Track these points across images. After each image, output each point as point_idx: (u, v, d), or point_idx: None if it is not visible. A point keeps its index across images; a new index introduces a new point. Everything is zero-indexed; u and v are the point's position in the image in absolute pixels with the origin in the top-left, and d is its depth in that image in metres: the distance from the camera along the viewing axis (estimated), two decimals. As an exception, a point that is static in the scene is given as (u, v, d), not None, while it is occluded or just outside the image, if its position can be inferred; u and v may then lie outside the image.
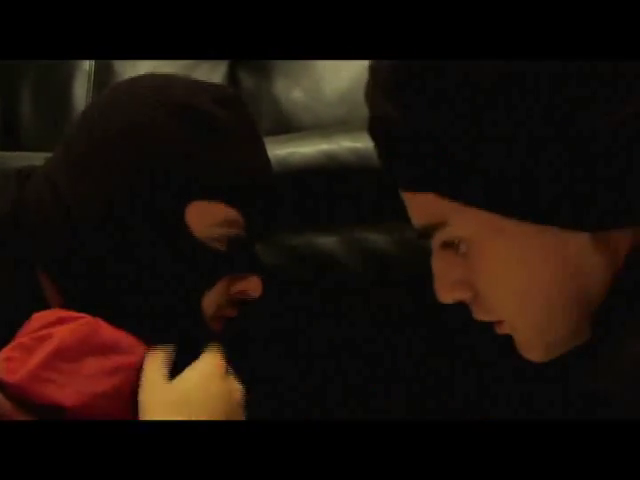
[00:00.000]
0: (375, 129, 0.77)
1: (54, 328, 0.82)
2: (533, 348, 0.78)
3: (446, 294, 0.78)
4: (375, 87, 0.76)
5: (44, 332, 0.82)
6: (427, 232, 0.76)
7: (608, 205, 0.69)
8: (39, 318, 0.84)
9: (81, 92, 1.66)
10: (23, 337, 0.82)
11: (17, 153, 1.30)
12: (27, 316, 0.84)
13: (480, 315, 0.78)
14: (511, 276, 0.73)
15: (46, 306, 0.88)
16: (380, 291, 1.04)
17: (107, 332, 0.84)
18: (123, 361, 0.84)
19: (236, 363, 0.89)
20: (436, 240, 0.76)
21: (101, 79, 1.66)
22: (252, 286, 0.92)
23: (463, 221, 0.72)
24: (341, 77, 1.62)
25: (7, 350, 0.81)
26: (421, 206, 0.75)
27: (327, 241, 1.05)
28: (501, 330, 0.79)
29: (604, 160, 0.68)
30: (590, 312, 0.74)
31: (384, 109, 0.74)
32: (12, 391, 0.78)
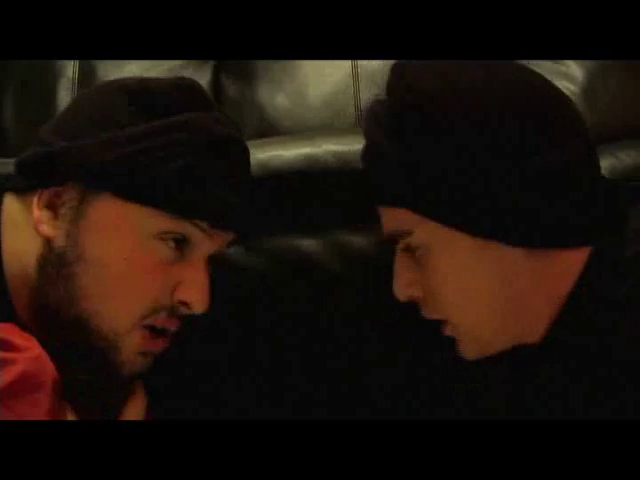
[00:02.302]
0: (367, 155, 0.91)
1: (11, 353, 0.80)
2: (469, 345, 0.90)
3: (401, 291, 0.91)
4: (370, 118, 0.90)
5: (3, 355, 0.79)
6: (394, 238, 0.90)
7: (539, 226, 0.83)
8: None
9: (65, 98, 1.66)
10: None
11: (1, 160, 1.30)
12: None
13: (428, 313, 0.91)
14: (455, 280, 0.87)
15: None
16: (362, 293, 1.05)
17: (51, 368, 0.82)
18: (65, 404, 0.83)
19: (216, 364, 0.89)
20: (400, 245, 0.90)
21: (85, 86, 1.65)
22: (197, 299, 0.90)
23: (424, 232, 0.86)
24: (324, 82, 1.63)
25: None
26: (393, 217, 0.89)
27: (309, 244, 1.06)
28: (445, 330, 0.91)
29: (543, 185, 0.83)
30: (536, 317, 0.87)
31: (376, 137, 0.88)
32: None
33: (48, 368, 0.82)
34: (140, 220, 0.88)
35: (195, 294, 0.90)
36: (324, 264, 1.05)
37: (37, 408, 0.79)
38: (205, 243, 0.91)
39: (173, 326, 0.92)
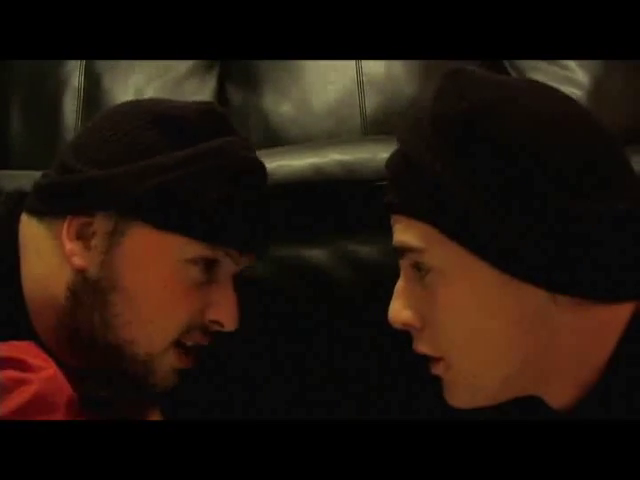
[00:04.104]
0: (397, 159, 0.81)
1: (25, 373, 0.80)
2: (461, 392, 0.80)
3: (397, 314, 0.80)
4: (409, 123, 0.80)
5: (19, 375, 0.80)
6: (403, 252, 0.80)
7: (587, 273, 0.73)
8: (1, 352, 0.82)
9: (71, 109, 1.66)
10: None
11: (7, 172, 1.30)
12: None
13: (422, 347, 0.81)
14: (466, 316, 0.76)
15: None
16: (369, 302, 1.04)
17: (67, 388, 0.82)
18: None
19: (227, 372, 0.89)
20: (407, 260, 0.80)
21: (91, 96, 1.66)
22: (228, 318, 0.91)
23: (441, 252, 0.76)
24: (329, 90, 1.63)
25: None
26: (409, 229, 0.78)
27: (316, 253, 1.05)
28: (435, 369, 0.81)
29: (599, 230, 0.72)
30: (560, 378, 0.76)
31: (413, 144, 0.78)
32: None
33: (63, 388, 0.82)
34: (174, 248, 0.88)
35: (226, 314, 0.92)
36: (330, 274, 1.05)
37: None
38: (231, 265, 0.92)
39: (204, 342, 0.93)
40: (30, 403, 0.79)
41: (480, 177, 0.73)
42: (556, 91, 0.80)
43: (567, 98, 0.80)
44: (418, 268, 0.79)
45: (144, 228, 0.88)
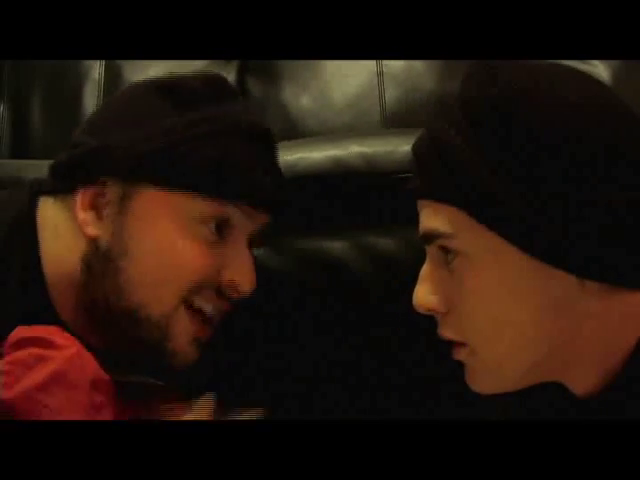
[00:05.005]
0: (423, 144, 0.79)
1: (48, 350, 0.81)
2: (485, 378, 0.79)
3: (422, 299, 0.79)
4: (438, 109, 0.79)
5: (41, 352, 0.81)
6: (431, 238, 0.78)
7: (621, 260, 0.72)
8: (26, 333, 0.83)
9: (91, 101, 1.67)
10: (18, 351, 0.81)
11: (28, 161, 1.31)
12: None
13: (446, 332, 0.79)
14: (493, 301, 0.75)
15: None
16: (388, 295, 1.04)
17: (92, 367, 0.83)
18: (105, 401, 0.83)
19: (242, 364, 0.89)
20: (433, 248, 0.79)
21: (110, 87, 1.66)
22: (244, 278, 0.91)
23: (470, 237, 0.75)
24: (348, 83, 1.63)
25: (4, 363, 0.80)
26: (437, 214, 0.77)
27: (336, 245, 1.05)
28: (458, 354, 0.80)
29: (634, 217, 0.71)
30: (586, 365, 0.75)
31: (441, 129, 0.77)
32: (2, 406, 0.77)
33: (87, 367, 0.83)
34: (182, 206, 0.89)
35: (242, 273, 0.92)
36: (350, 266, 1.05)
37: (73, 405, 0.80)
38: (245, 224, 0.92)
39: (223, 306, 0.93)
40: (50, 379, 0.79)
41: (510, 162, 0.72)
42: (588, 76, 0.79)
43: (599, 83, 0.79)
44: (445, 252, 0.77)
45: (151, 190, 0.89)
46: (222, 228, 0.91)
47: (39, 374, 0.79)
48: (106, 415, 0.83)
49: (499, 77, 0.75)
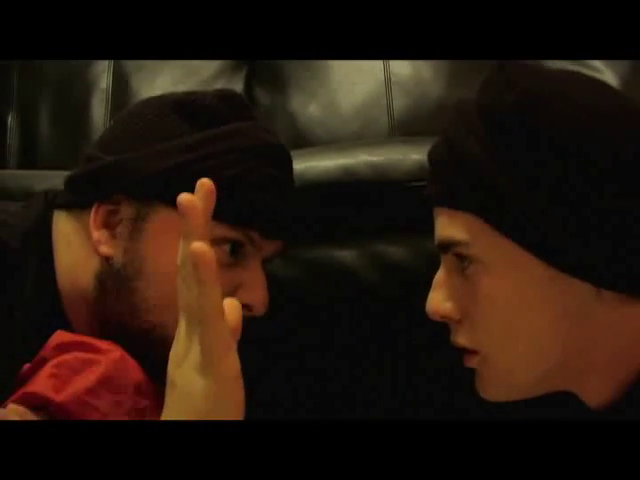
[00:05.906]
0: (439, 151, 0.79)
1: (94, 354, 0.81)
2: (496, 386, 0.79)
3: (437, 306, 0.79)
4: (453, 114, 0.79)
5: (88, 356, 0.81)
6: (447, 246, 0.78)
7: (628, 269, 0.71)
8: (68, 337, 0.83)
9: (99, 110, 1.67)
10: (63, 354, 0.81)
11: (37, 172, 1.31)
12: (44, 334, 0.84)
13: (460, 340, 0.79)
14: (507, 309, 0.74)
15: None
16: (398, 304, 1.04)
17: (136, 371, 0.83)
18: (148, 405, 0.83)
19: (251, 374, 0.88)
20: (449, 255, 0.78)
21: (119, 97, 1.67)
22: (258, 300, 0.91)
23: (486, 244, 0.74)
24: (356, 92, 1.63)
25: (51, 367, 0.80)
26: (453, 222, 0.77)
27: (345, 254, 1.05)
28: (469, 362, 0.79)
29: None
30: (601, 376, 0.75)
31: (457, 134, 0.77)
32: (54, 409, 0.77)
33: (131, 371, 0.83)
34: None
35: (255, 296, 0.91)
36: (360, 275, 1.05)
37: (119, 409, 0.80)
38: (259, 247, 0.92)
39: None
40: (99, 382, 0.79)
41: (527, 169, 0.72)
42: (604, 84, 0.79)
43: (615, 91, 0.79)
44: (460, 259, 0.77)
45: (164, 210, 0.88)
46: (237, 250, 0.90)
47: (88, 378, 0.79)
48: (149, 419, 0.82)
49: (517, 84, 0.74)
